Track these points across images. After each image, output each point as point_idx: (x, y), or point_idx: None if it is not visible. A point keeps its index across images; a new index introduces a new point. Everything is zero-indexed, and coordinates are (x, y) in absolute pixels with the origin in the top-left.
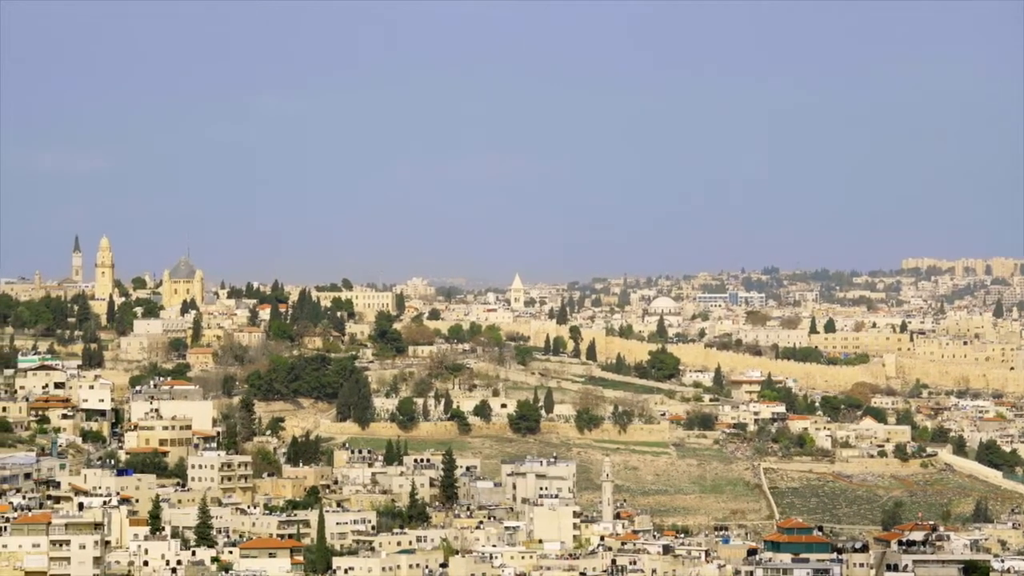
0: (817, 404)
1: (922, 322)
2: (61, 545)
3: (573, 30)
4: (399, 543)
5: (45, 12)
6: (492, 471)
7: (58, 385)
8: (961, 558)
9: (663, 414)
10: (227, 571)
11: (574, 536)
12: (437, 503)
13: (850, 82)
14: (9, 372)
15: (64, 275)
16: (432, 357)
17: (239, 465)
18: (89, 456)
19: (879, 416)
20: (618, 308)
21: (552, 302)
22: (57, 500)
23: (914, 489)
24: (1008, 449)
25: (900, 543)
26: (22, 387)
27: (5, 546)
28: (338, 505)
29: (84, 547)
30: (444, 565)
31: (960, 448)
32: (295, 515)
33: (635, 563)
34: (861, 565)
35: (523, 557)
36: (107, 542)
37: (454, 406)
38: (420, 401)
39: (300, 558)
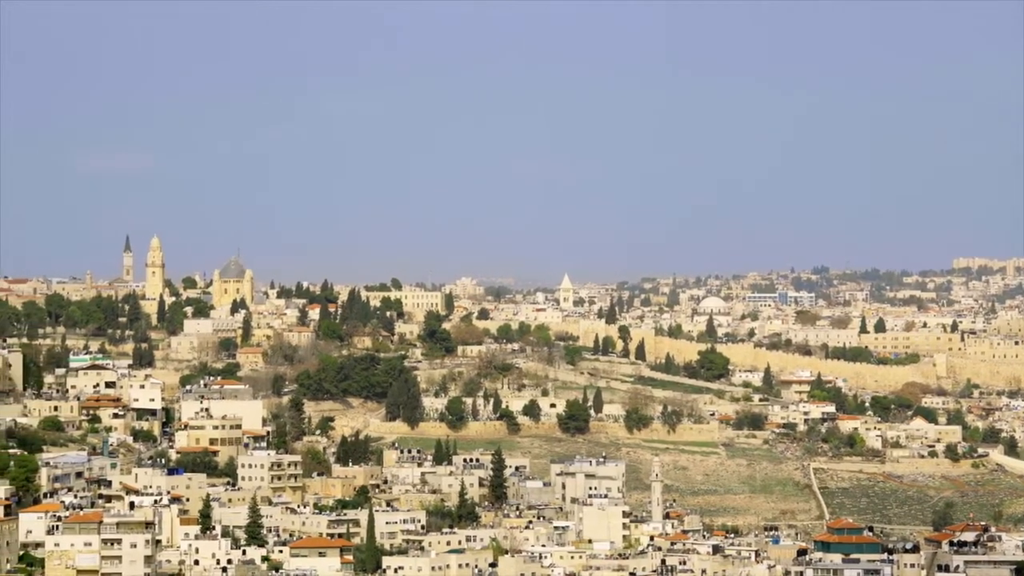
0: (867, 404)
1: (973, 322)
2: (112, 544)
3: (618, 30)
4: (448, 543)
5: (95, 13)
6: (541, 471)
7: (109, 384)
8: (1013, 559)
9: (712, 414)
10: (277, 570)
11: (623, 536)
12: (486, 503)
13: (899, 80)
14: (61, 371)
15: (115, 275)
16: (481, 357)
17: (289, 464)
18: (140, 455)
19: (930, 416)
20: (667, 308)
21: (601, 302)
22: (108, 499)
23: (965, 490)
24: None
25: (951, 544)
26: (73, 386)
27: (57, 545)
28: (388, 505)
29: (135, 546)
30: (493, 565)
31: (1012, 448)
32: (345, 514)
33: (685, 563)
34: (912, 566)
35: (572, 557)
36: (158, 541)
37: (503, 406)
38: (469, 401)
39: (350, 557)
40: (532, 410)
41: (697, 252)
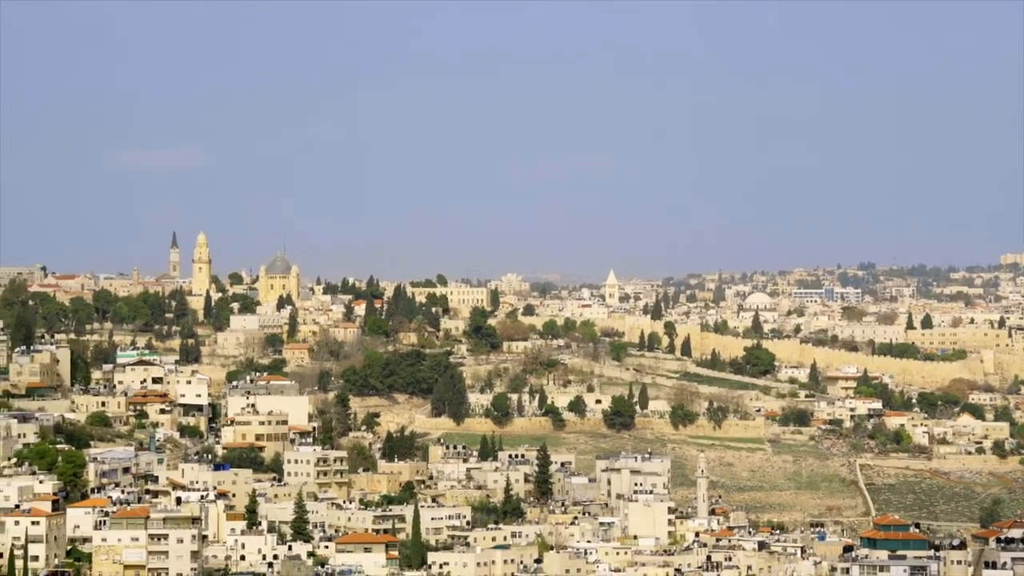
0: (914, 400)
1: (1021, 318)
2: (159, 539)
3: (662, 27)
4: (494, 538)
5: (143, 10)
6: (587, 467)
7: (156, 380)
8: None
9: (758, 410)
10: (323, 565)
11: (669, 532)
12: (532, 499)
13: (945, 75)
14: (108, 367)
15: (162, 271)
16: (527, 353)
17: (335, 460)
18: (186, 451)
19: (977, 413)
20: (713, 304)
21: (647, 298)
22: (155, 494)
23: (1012, 486)
24: None
25: (998, 540)
26: (120, 382)
27: (104, 540)
28: (433, 500)
29: (182, 541)
30: (539, 561)
31: None
32: (390, 510)
33: (730, 559)
34: (959, 563)
35: (618, 553)
36: (204, 536)
37: (548, 402)
38: (514, 397)
39: (395, 553)
40: (577, 406)
41: (743, 248)
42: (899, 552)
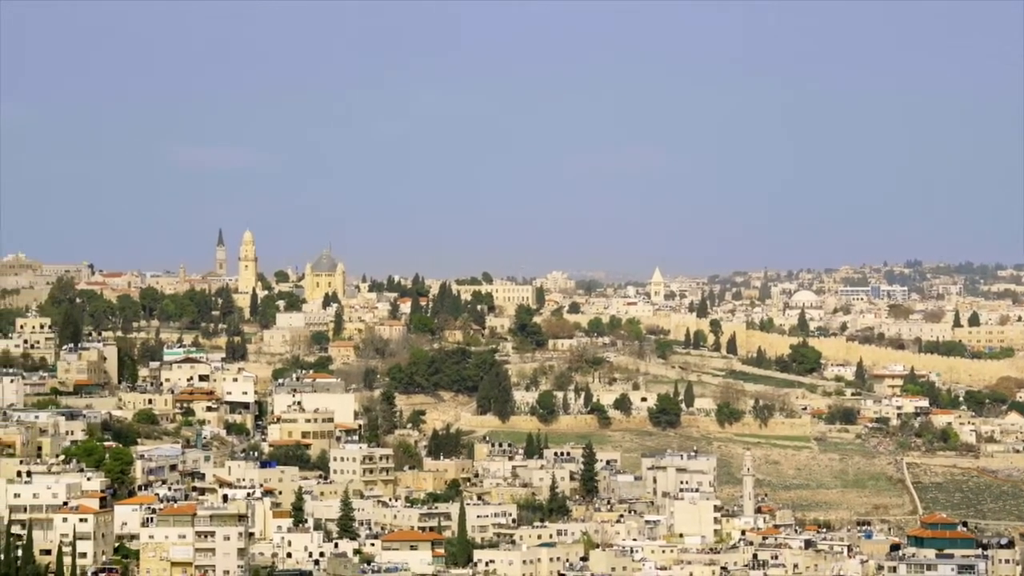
0: (961, 398)
1: None
2: (206, 536)
3: (708, 24)
4: (539, 536)
5: (190, 8)
6: (632, 465)
7: (202, 378)
8: None
9: (804, 408)
10: (369, 563)
11: (715, 530)
12: (577, 497)
13: (994, 72)
14: (155, 365)
15: (208, 269)
16: (572, 351)
17: (381, 458)
18: (233, 448)
19: None
20: (759, 301)
21: (692, 295)
22: (202, 492)
23: None
24: None
25: None
26: (167, 380)
27: (152, 537)
28: (479, 498)
29: (228, 538)
30: (584, 559)
31: None
32: (436, 508)
33: (776, 558)
34: (1007, 561)
35: (664, 551)
36: (251, 534)
37: (594, 400)
38: (560, 395)
39: (441, 551)
40: (623, 404)
41: (789, 245)
42: (946, 551)
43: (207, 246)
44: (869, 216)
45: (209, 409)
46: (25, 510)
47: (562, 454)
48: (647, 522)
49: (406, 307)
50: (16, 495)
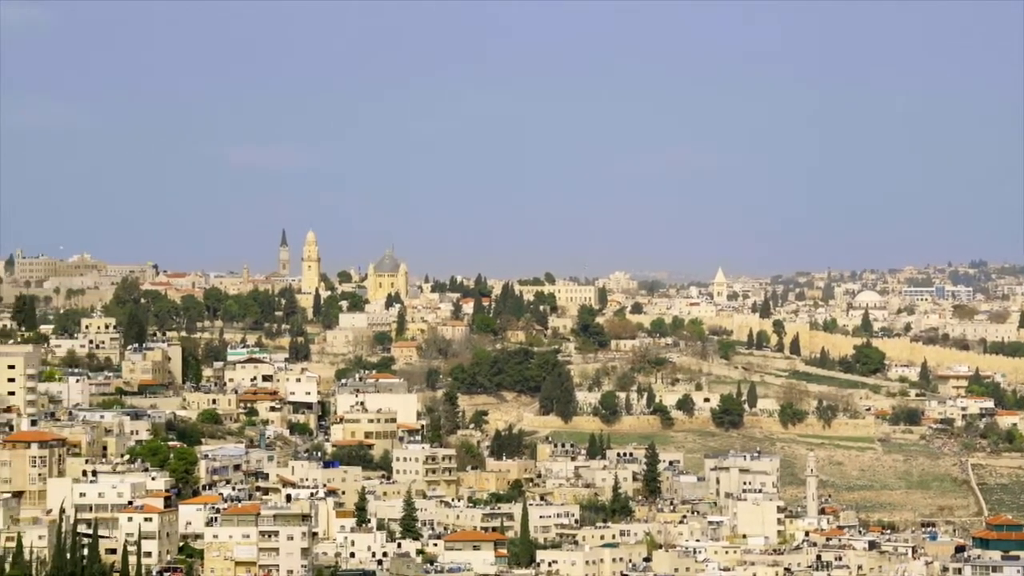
0: None
1: None
2: (270, 536)
3: (773, 25)
4: (602, 537)
5: (251, 10)
6: (695, 465)
7: (266, 378)
8: None
9: (868, 409)
10: (432, 563)
11: (778, 531)
12: (640, 497)
13: None
14: (218, 365)
15: (271, 269)
16: (634, 351)
17: (443, 458)
18: (296, 448)
19: None
20: (822, 302)
21: (755, 296)
22: (266, 491)
23: None
24: None
25: None
26: (231, 380)
27: (216, 536)
28: (541, 498)
29: (292, 538)
30: (647, 559)
31: None
32: (499, 508)
33: (840, 559)
34: None
35: (727, 552)
36: (314, 533)
37: (657, 400)
38: (622, 395)
39: (504, 551)
40: (686, 404)
41: (852, 246)
42: (1012, 552)
43: (271, 246)
44: (934, 216)
45: (272, 409)
46: (90, 509)
47: (625, 455)
48: (710, 523)
49: (468, 307)
50: (82, 494)
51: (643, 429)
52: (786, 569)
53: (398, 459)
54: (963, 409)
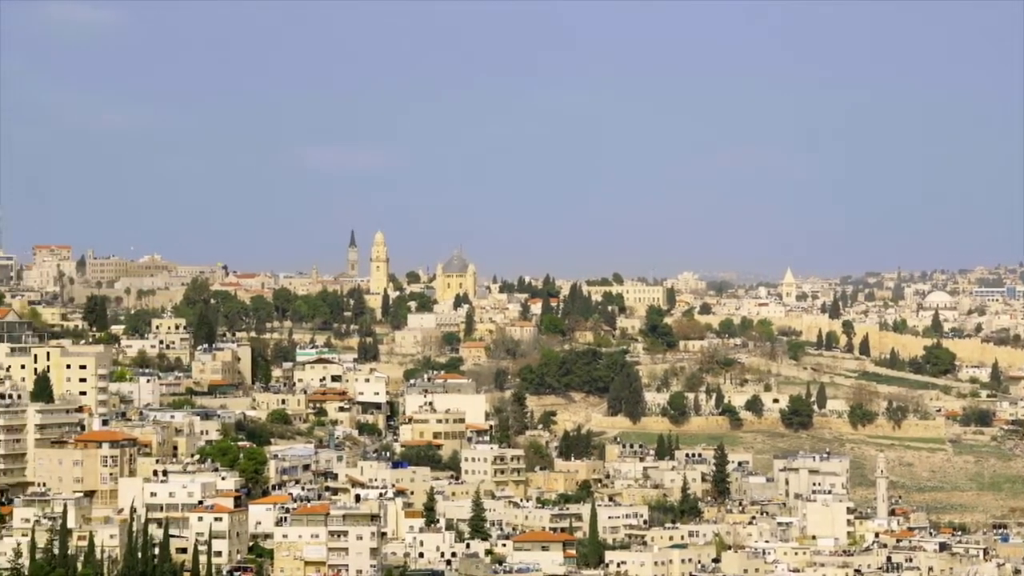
0: None
1: None
2: (339, 536)
3: (837, 26)
4: (671, 538)
5: (325, 11)
6: (764, 466)
7: (335, 378)
8: None
9: (939, 410)
10: (500, 563)
11: (848, 532)
12: (709, 498)
13: None
14: (288, 365)
15: (340, 270)
16: (703, 351)
17: (512, 458)
18: (365, 448)
19: None
20: (892, 302)
21: (824, 296)
22: (335, 492)
23: None
24: None
25: None
26: (300, 380)
27: (286, 536)
28: (610, 499)
29: (361, 538)
30: (716, 560)
31: None
32: (567, 509)
33: (911, 560)
34: None
35: (796, 553)
36: (383, 533)
37: (725, 401)
38: (691, 396)
39: (572, 552)
40: (754, 405)
41: (922, 246)
42: None
43: (339, 247)
44: (1004, 216)
45: (341, 409)
46: (161, 509)
47: (693, 455)
48: (779, 524)
49: (537, 308)
50: (152, 494)
51: (711, 430)
52: (856, 570)
53: (466, 459)
54: None
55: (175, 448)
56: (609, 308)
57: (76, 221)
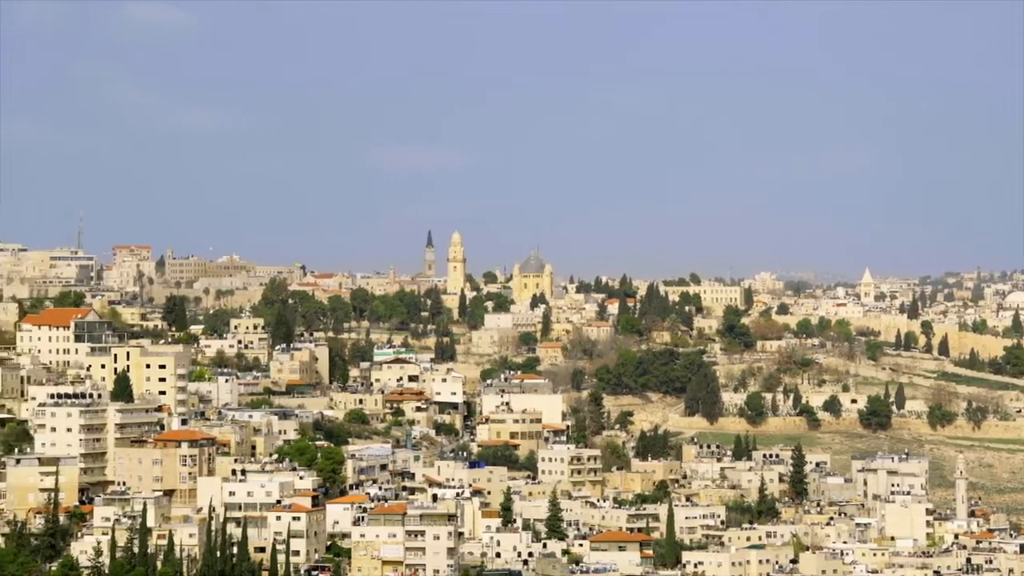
0: None
1: None
2: (416, 536)
3: (921, 28)
4: (748, 538)
5: (402, 10)
6: (842, 467)
7: (412, 378)
8: None
9: (1019, 411)
10: (577, 564)
11: (927, 534)
12: (786, 499)
13: None
14: (365, 365)
15: (417, 270)
16: (780, 352)
17: (588, 459)
18: (442, 448)
19: None
20: (971, 303)
21: (903, 296)
22: (412, 491)
23: None
24: None
25: None
26: (377, 380)
27: (363, 536)
28: (687, 499)
29: (438, 538)
30: (794, 561)
31: None
32: (644, 509)
33: (991, 562)
34: None
35: (875, 554)
36: (460, 533)
37: (803, 401)
38: (768, 396)
39: (649, 552)
40: (832, 406)
41: (1002, 246)
42: None
43: (416, 247)
44: None
45: (418, 409)
46: (240, 508)
47: (771, 456)
48: (857, 525)
49: (614, 308)
50: (231, 493)
51: (789, 430)
52: (935, 572)
53: (543, 459)
54: None
55: (253, 448)
56: (686, 308)
57: (155, 221)
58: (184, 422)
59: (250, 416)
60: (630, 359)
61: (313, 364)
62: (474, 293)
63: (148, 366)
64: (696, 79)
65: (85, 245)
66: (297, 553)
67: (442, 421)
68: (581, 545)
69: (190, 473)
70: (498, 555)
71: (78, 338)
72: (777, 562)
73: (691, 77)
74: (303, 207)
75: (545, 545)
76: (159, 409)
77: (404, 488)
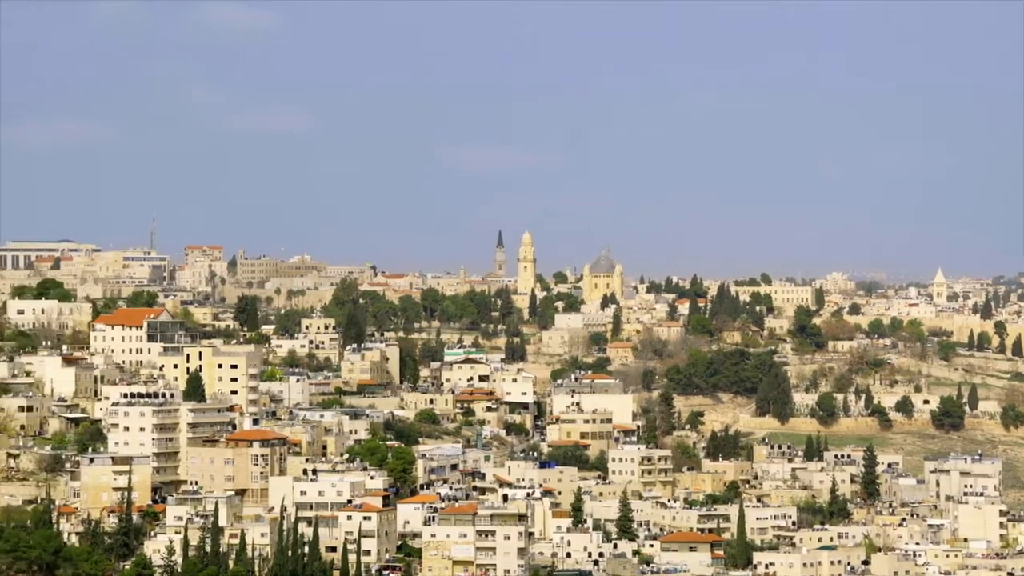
0: None
1: None
2: (487, 536)
3: (989, 25)
4: (820, 539)
5: (470, 10)
6: (914, 468)
7: (482, 378)
8: None
9: None
10: (648, 564)
11: (1000, 535)
12: (858, 499)
13: None
14: (435, 365)
15: (488, 270)
16: (852, 352)
17: (659, 459)
18: (512, 448)
19: None
20: None
21: (976, 297)
22: (482, 491)
23: None
24: None
25: None
26: (448, 380)
27: (434, 535)
28: (758, 500)
29: (509, 538)
30: (866, 562)
31: None
32: (715, 509)
33: None
34: None
35: (948, 556)
36: (531, 533)
37: (875, 402)
38: (840, 396)
39: (720, 552)
40: (905, 406)
41: None
42: None
43: (487, 247)
44: None
45: (489, 409)
46: (311, 507)
47: (842, 456)
48: (930, 526)
49: (684, 308)
50: (302, 493)
51: (861, 431)
52: (1009, 574)
53: (614, 460)
54: None
55: (324, 447)
56: (757, 308)
57: (227, 222)
58: (256, 422)
59: (321, 416)
60: (701, 359)
61: (384, 364)
62: (544, 293)
63: (220, 366)
64: (766, 78)
65: (158, 245)
66: (368, 553)
67: (512, 421)
68: (651, 546)
69: (262, 473)
70: (568, 555)
71: (151, 338)
72: (849, 563)
73: (761, 76)
74: (374, 207)
75: (616, 545)
76: (231, 409)
77: (474, 488)
